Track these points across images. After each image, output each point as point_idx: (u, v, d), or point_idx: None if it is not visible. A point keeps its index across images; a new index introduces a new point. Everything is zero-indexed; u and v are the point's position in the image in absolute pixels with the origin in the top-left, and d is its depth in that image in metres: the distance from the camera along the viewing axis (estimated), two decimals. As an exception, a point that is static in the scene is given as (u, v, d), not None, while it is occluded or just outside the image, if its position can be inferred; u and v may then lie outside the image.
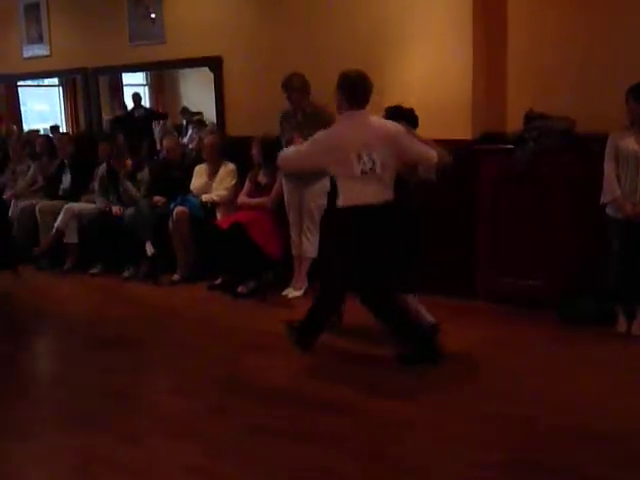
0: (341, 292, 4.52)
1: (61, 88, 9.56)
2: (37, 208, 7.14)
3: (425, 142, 4.35)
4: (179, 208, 6.20)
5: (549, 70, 5.34)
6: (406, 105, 4.65)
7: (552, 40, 5.33)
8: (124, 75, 8.70)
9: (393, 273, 4.38)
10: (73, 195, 7.13)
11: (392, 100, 5.41)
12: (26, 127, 9.40)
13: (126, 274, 6.48)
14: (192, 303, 5.79)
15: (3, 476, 3.21)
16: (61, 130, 9.09)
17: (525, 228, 5.21)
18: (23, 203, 7.32)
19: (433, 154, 4.29)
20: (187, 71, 8.11)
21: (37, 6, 8.34)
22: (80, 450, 3.37)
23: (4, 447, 3.45)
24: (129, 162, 6.74)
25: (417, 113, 4.62)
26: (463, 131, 5.37)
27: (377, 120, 4.37)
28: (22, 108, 9.67)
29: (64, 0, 8.11)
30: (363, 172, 4.19)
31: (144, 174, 6.71)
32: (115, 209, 6.55)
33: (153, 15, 7.31)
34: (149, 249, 6.25)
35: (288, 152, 4.67)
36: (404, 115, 4.54)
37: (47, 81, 9.56)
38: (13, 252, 6.76)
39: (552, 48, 5.33)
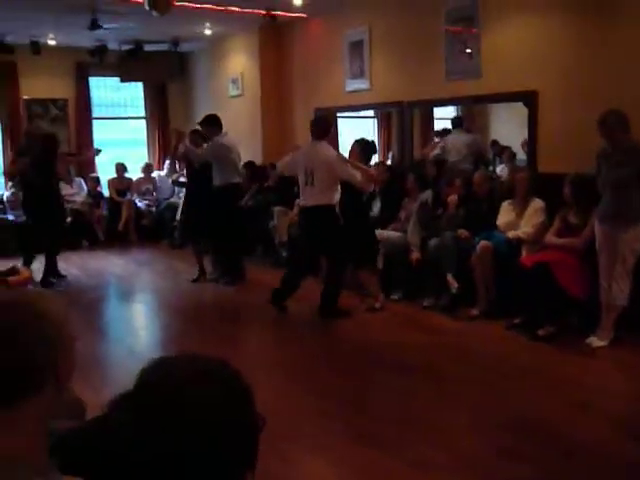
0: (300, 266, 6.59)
1: (376, 120, 10.10)
2: (347, 232, 7.57)
3: (357, 167, 6.23)
4: (484, 243, 6.18)
5: None
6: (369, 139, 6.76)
7: None
8: (435, 109, 8.95)
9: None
10: (382, 222, 7.45)
11: None
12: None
13: (426, 303, 6.61)
14: (489, 340, 5.74)
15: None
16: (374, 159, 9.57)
17: None
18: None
19: (356, 179, 6.16)
20: (499, 105, 8.10)
21: (361, 43, 8.91)
22: (371, 471, 3.53)
23: (294, 455, 3.72)
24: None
25: None
26: None
27: (324, 149, 6.23)
28: (339, 138, 10.33)
29: (386, 37, 8.56)
30: (306, 183, 6.19)
31: (462, 207, 6.72)
32: (413, 256, 6.67)
33: (468, 50, 7.43)
34: (452, 283, 6.30)
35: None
36: (366, 145, 6.56)
37: (362, 112, 10.15)
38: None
39: None
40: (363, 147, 6.56)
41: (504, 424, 4.07)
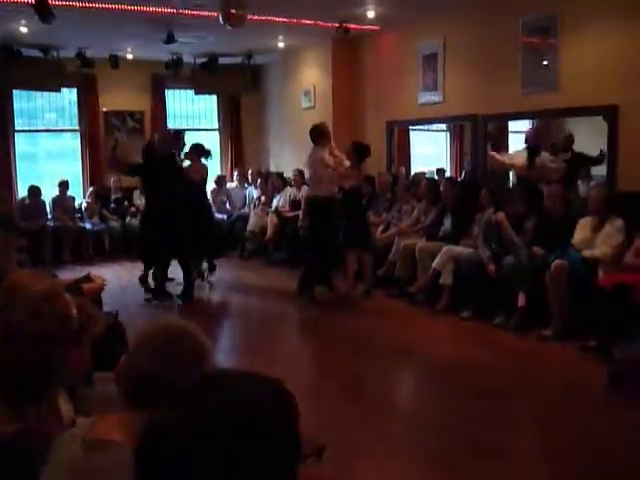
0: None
1: (448, 133, 9.95)
2: (417, 247, 7.46)
3: (343, 168, 7.53)
4: (558, 262, 5.94)
5: None
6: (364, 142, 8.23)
7: None
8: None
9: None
10: (453, 238, 7.31)
11: None
12: (413, 169, 9.92)
13: (496, 321, 6.42)
14: (561, 362, 5.53)
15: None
16: (446, 173, 9.43)
17: None
18: (405, 241, 7.71)
19: (333, 175, 7.49)
20: (577, 119, 7.84)
21: (435, 56, 8.80)
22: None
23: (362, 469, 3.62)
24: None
25: None
26: None
27: (317, 153, 7.52)
28: (411, 150, 10.23)
29: (460, 49, 8.42)
30: (310, 177, 7.97)
31: (531, 223, 6.57)
32: (491, 268, 6.53)
33: (545, 62, 7.24)
34: (521, 301, 6.11)
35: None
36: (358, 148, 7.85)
37: (434, 126, 10.01)
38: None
39: None
40: (356, 148, 7.80)
41: (579, 451, 3.91)
